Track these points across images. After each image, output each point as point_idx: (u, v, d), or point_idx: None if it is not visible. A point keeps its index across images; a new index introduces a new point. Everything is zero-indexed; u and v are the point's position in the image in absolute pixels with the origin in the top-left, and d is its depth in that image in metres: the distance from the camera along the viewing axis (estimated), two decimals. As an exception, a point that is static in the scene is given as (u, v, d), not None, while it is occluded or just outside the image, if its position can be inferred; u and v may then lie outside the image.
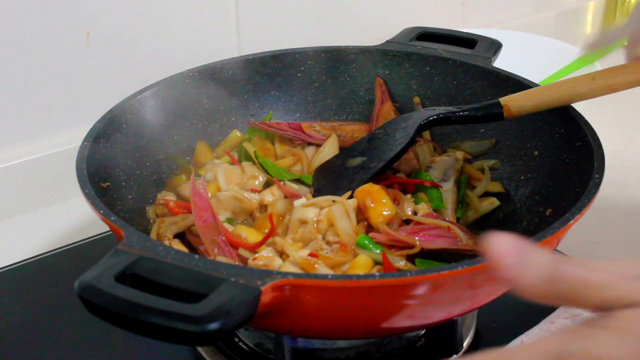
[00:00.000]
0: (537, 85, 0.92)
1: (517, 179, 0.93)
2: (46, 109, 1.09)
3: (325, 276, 0.63)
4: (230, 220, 0.86)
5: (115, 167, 0.86)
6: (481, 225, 0.91)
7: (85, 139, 0.81)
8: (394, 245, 0.77)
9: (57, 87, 1.08)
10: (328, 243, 0.79)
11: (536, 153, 0.92)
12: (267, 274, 0.58)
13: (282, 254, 0.78)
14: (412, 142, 0.88)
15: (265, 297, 0.57)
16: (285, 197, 0.89)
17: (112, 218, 0.68)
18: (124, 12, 1.10)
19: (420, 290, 0.63)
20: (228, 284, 0.57)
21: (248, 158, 0.96)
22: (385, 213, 0.81)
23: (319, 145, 0.99)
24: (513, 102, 0.86)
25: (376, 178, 0.87)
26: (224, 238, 0.78)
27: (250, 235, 0.82)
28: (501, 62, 1.04)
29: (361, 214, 0.82)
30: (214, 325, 0.53)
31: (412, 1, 1.46)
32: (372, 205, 0.81)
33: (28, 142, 1.09)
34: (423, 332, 0.83)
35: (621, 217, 1.08)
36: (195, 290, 0.57)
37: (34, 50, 1.04)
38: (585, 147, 0.81)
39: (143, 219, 0.88)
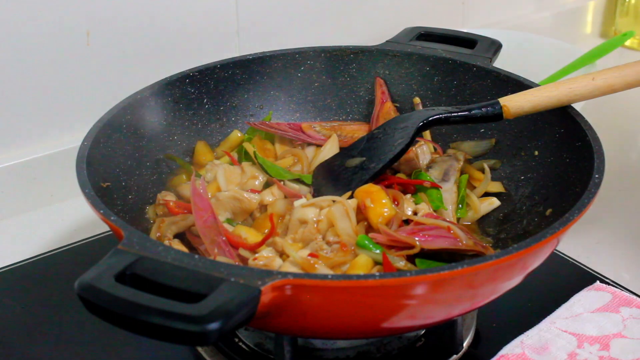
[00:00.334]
0: (537, 85, 0.92)
1: (517, 179, 0.93)
2: (46, 109, 1.09)
3: (325, 276, 0.63)
4: (230, 221, 0.87)
5: (115, 167, 0.86)
6: (481, 225, 0.91)
7: (85, 139, 0.81)
8: (394, 246, 0.77)
9: (57, 87, 1.08)
10: (328, 243, 0.79)
11: (536, 153, 0.92)
12: (267, 274, 0.58)
13: (282, 254, 0.78)
14: (411, 143, 0.88)
15: (265, 297, 0.57)
16: (285, 197, 0.89)
17: (112, 218, 0.68)
18: (124, 12, 1.10)
19: (420, 290, 0.63)
20: (228, 284, 0.57)
21: (248, 158, 0.96)
22: (385, 213, 0.80)
23: (319, 146, 0.99)
24: (512, 102, 0.86)
25: (376, 178, 0.87)
26: (224, 238, 0.78)
27: (251, 235, 0.82)
28: (501, 62, 1.04)
29: (361, 214, 0.82)
30: (214, 325, 0.53)
31: (412, 1, 1.46)
32: (372, 205, 0.81)
33: (28, 142, 1.09)
34: (423, 332, 0.83)
35: (621, 217, 1.08)
36: (195, 290, 0.57)
37: (34, 50, 1.04)
38: (585, 147, 0.81)
39: (143, 219, 0.88)
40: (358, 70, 1.07)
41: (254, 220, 0.88)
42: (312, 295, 0.60)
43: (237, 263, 0.77)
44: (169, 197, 0.89)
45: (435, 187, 0.89)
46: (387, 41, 1.08)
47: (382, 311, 0.64)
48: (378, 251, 0.76)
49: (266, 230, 0.83)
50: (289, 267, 0.75)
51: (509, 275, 0.69)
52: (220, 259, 0.77)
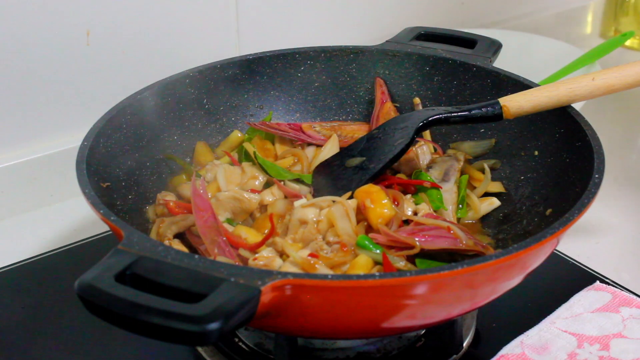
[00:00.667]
0: (537, 85, 0.92)
1: (517, 179, 0.93)
2: (46, 109, 1.09)
3: (325, 276, 0.63)
4: (230, 221, 0.87)
5: (115, 167, 0.86)
6: (481, 225, 0.91)
7: (85, 139, 0.81)
8: (394, 246, 0.77)
9: (57, 87, 1.08)
10: (328, 243, 0.79)
11: (536, 153, 0.92)
12: (267, 274, 0.58)
13: (282, 254, 0.78)
14: (411, 143, 0.88)
15: (265, 297, 0.57)
16: (285, 197, 0.89)
17: (112, 218, 0.68)
18: (124, 12, 1.10)
19: (420, 290, 0.63)
20: (228, 284, 0.57)
21: (248, 158, 0.96)
22: (385, 214, 0.80)
23: (319, 146, 0.99)
24: (512, 103, 0.86)
25: (376, 178, 0.87)
26: (224, 238, 0.78)
27: (251, 235, 0.82)
28: (501, 62, 1.04)
29: (361, 214, 0.82)
30: (214, 325, 0.53)
31: (412, 1, 1.46)
32: (372, 206, 0.81)
33: (28, 142, 1.09)
34: (423, 332, 0.83)
35: (621, 217, 1.08)
36: (195, 290, 0.57)
37: (34, 50, 1.04)
38: (585, 147, 0.81)
39: (143, 219, 0.88)
40: (358, 70, 1.07)
41: (254, 221, 0.88)
42: (312, 295, 0.60)
43: (237, 263, 0.77)
44: (169, 197, 0.89)
45: (436, 187, 0.89)
46: (387, 41, 1.08)
47: (382, 311, 0.64)
48: (378, 251, 0.76)
49: (266, 231, 0.83)
50: (289, 267, 0.74)
51: (509, 275, 0.69)
52: (221, 259, 0.77)
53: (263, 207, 0.89)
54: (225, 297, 0.56)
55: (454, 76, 1.02)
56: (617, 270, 0.95)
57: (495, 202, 0.92)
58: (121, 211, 0.82)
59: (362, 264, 0.75)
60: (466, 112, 0.88)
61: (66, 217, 1.09)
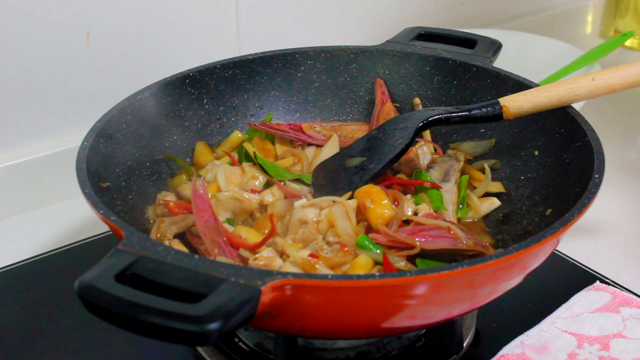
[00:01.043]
0: (537, 85, 0.92)
1: (517, 179, 0.93)
2: (46, 109, 1.09)
3: (325, 276, 0.63)
4: (230, 221, 0.87)
5: (115, 167, 0.86)
6: (484, 224, 0.91)
7: (85, 139, 0.81)
8: (394, 246, 0.77)
9: (57, 87, 1.08)
10: (328, 243, 0.79)
11: (536, 153, 0.92)
12: (267, 274, 0.58)
13: (282, 255, 0.78)
14: (412, 143, 0.88)
15: (265, 297, 0.57)
16: (286, 197, 0.89)
17: (112, 218, 0.68)
18: (124, 12, 1.10)
19: (420, 290, 0.63)
20: (228, 284, 0.57)
21: (248, 159, 0.96)
22: (385, 214, 0.81)
23: (319, 146, 0.99)
24: (512, 103, 0.86)
25: (376, 179, 0.87)
26: (224, 239, 0.78)
27: (251, 235, 0.82)
28: (501, 62, 1.04)
29: (361, 214, 0.82)
30: (214, 325, 0.53)
31: (412, 1, 1.46)
32: (372, 206, 0.81)
33: (28, 142, 1.09)
34: (423, 332, 0.83)
35: (621, 217, 1.08)
36: (195, 290, 0.57)
37: (34, 50, 1.04)
38: (585, 147, 0.81)
39: (143, 219, 0.88)
40: (358, 70, 1.07)
41: (254, 221, 0.88)
42: (312, 295, 0.60)
43: (237, 263, 0.77)
44: (169, 197, 0.89)
45: (436, 187, 0.89)
46: (387, 41, 1.08)
47: (382, 311, 0.64)
48: (378, 251, 0.76)
49: (266, 231, 0.83)
50: (289, 268, 0.75)
51: (509, 275, 0.69)
52: (221, 259, 0.77)
53: (263, 207, 0.89)
54: (225, 297, 0.56)
55: (454, 76, 1.02)
56: (617, 270, 0.95)
57: (495, 202, 0.92)
58: (121, 211, 0.82)
59: (362, 264, 0.75)
60: (466, 112, 0.88)
61: (66, 217, 1.09)
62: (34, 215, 1.10)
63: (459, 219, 0.90)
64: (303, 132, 1.00)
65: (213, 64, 1.01)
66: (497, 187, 0.94)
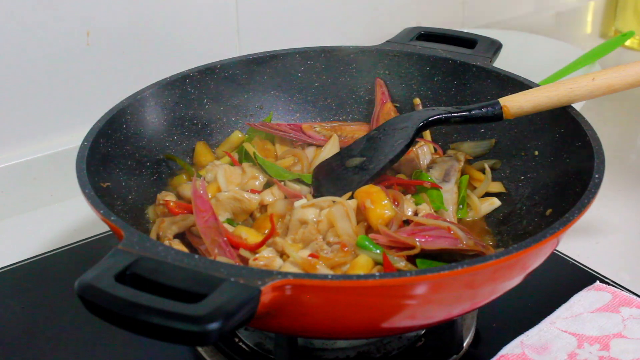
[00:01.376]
0: (537, 85, 0.92)
1: (517, 179, 0.93)
2: (46, 109, 1.09)
3: (325, 276, 0.63)
4: (230, 221, 0.87)
5: (115, 167, 0.86)
6: (486, 223, 0.91)
7: (85, 139, 0.81)
8: (394, 246, 0.77)
9: (57, 87, 1.08)
10: (328, 243, 0.79)
11: (536, 153, 0.92)
12: (267, 274, 0.58)
13: (282, 255, 0.78)
14: (412, 143, 0.88)
15: (265, 297, 0.57)
16: (286, 197, 0.89)
17: (112, 218, 0.68)
18: (124, 12, 1.10)
19: (420, 290, 0.63)
20: (228, 284, 0.57)
21: (249, 159, 0.96)
22: (385, 215, 0.81)
23: (319, 146, 0.99)
24: (512, 103, 0.86)
25: (376, 179, 0.87)
26: (225, 239, 0.78)
27: (251, 235, 0.82)
28: (501, 62, 1.04)
29: (361, 214, 0.82)
30: (214, 325, 0.53)
31: (412, 1, 1.46)
32: (372, 206, 0.81)
33: (28, 142, 1.09)
34: (423, 332, 0.83)
35: (621, 217, 1.08)
36: (195, 290, 0.57)
37: (34, 50, 1.04)
38: (585, 147, 0.81)
39: (143, 219, 0.88)
40: (358, 70, 1.07)
41: (254, 221, 0.88)
42: (312, 295, 0.60)
43: (237, 263, 0.77)
44: (169, 197, 0.89)
45: (436, 187, 0.89)
46: (387, 41, 1.08)
47: (382, 311, 0.64)
48: (378, 251, 0.76)
49: (266, 231, 0.83)
50: (289, 268, 0.74)
51: (509, 275, 0.69)
52: (221, 259, 0.77)
53: (263, 207, 0.89)
54: (225, 297, 0.56)
55: (454, 76, 1.02)
56: (617, 270, 0.95)
57: (495, 202, 0.92)
58: (121, 211, 0.82)
59: (362, 264, 0.75)
60: (466, 113, 0.88)
61: (66, 217, 1.09)
62: (34, 215, 1.10)
63: (459, 219, 0.90)
64: (303, 132, 1.00)
65: (213, 64, 1.01)
66: (497, 187, 0.94)
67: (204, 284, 0.57)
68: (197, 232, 0.81)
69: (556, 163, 0.88)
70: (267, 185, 0.92)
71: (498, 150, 0.97)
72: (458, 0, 1.55)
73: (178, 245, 0.82)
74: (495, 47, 1.05)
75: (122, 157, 0.87)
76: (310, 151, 0.99)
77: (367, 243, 0.77)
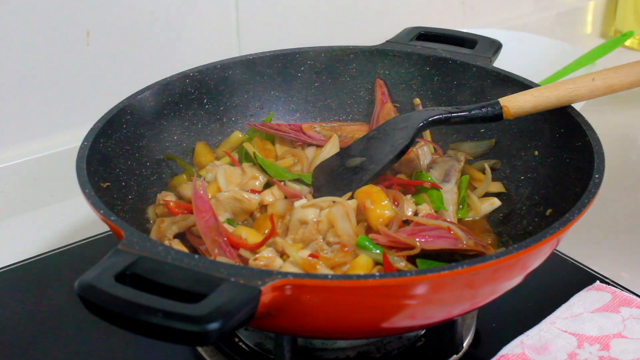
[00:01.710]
0: (537, 85, 0.92)
1: (517, 179, 0.93)
2: (46, 109, 1.09)
3: (325, 276, 0.63)
4: (230, 221, 0.87)
5: (115, 167, 0.86)
6: (487, 223, 0.91)
7: (85, 139, 0.81)
8: (394, 246, 0.77)
9: (57, 87, 1.08)
10: (328, 244, 0.79)
11: (536, 153, 0.92)
12: (267, 274, 0.58)
13: (282, 255, 0.78)
14: (412, 143, 0.88)
15: (265, 297, 0.57)
16: (286, 197, 0.89)
17: (112, 218, 0.68)
18: (124, 12, 1.10)
19: (420, 290, 0.63)
20: (228, 284, 0.57)
21: (249, 159, 0.96)
22: (385, 215, 0.81)
23: (319, 146, 0.99)
24: (512, 103, 0.86)
25: (376, 179, 0.87)
26: (225, 239, 0.78)
27: (251, 236, 0.82)
28: (501, 62, 1.04)
29: (361, 214, 0.82)
30: (214, 325, 0.53)
31: (412, 1, 1.46)
32: (372, 207, 0.81)
33: (28, 142, 1.09)
34: (423, 332, 0.83)
35: (621, 217, 1.08)
36: (195, 290, 0.57)
37: (34, 50, 1.04)
38: (585, 147, 0.81)
39: (143, 219, 0.88)
40: (358, 70, 1.07)
41: (254, 221, 0.88)
42: (312, 295, 0.60)
43: (237, 263, 0.77)
44: (169, 197, 0.89)
45: (436, 187, 0.89)
46: (387, 41, 1.08)
47: (382, 311, 0.64)
48: (378, 251, 0.76)
49: (266, 231, 0.83)
50: (289, 268, 0.74)
51: (509, 275, 0.69)
52: (221, 259, 0.77)
53: (263, 207, 0.89)
54: (225, 297, 0.56)
55: (454, 76, 1.02)
56: (617, 270, 0.95)
57: (496, 203, 0.92)
58: (121, 211, 0.82)
59: (362, 264, 0.75)
60: (466, 112, 0.88)
61: (66, 217, 1.09)
62: (34, 215, 1.10)
63: (459, 219, 0.90)
64: (303, 133, 1.00)
65: (213, 64, 1.01)
66: (497, 187, 0.94)
67: (204, 284, 0.57)
68: (197, 232, 0.81)
69: (556, 163, 0.87)
70: (267, 185, 0.92)
71: (498, 150, 0.97)
72: (458, 0, 1.54)
73: (178, 245, 0.82)
74: (495, 47, 1.05)
75: (122, 157, 0.87)
76: (310, 151, 0.99)
77: (367, 243, 0.77)
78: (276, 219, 0.84)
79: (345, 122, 1.06)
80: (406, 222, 0.81)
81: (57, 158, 1.09)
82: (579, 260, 0.96)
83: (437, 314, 0.69)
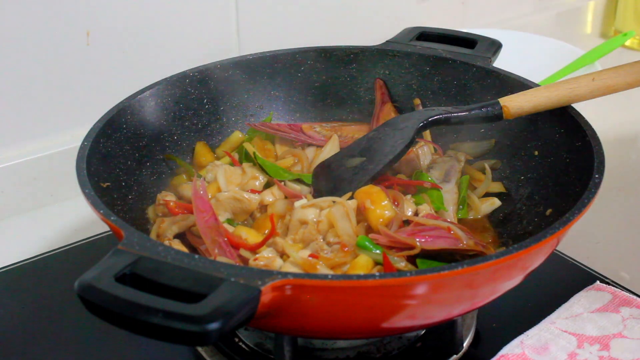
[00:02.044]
0: (537, 85, 0.92)
1: (517, 179, 0.93)
2: (46, 109, 1.09)
3: (325, 276, 0.63)
4: (230, 221, 0.87)
5: (115, 167, 0.86)
6: (489, 222, 0.91)
7: (85, 139, 0.81)
8: (394, 246, 0.77)
9: (57, 87, 1.08)
10: (328, 244, 0.79)
11: (536, 153, 0.92)
12: (267, 274, 0.58)
13: (282, 255, 0.78)
14: (412, 143, 0.88)
15: (265, 297, 0.57)
16: (286, 197, 0.89)
17: (112, 218, 0.68)
18: (124, 12, 1.10)
19: (420, 290, 0.63)
20: (228, 284, 0.57)
21: (249, 159, 0.96)
22: (385, 215, 0.80)
23: (319, 146, 0.99)
24: (512, 103, 0.86)
25: (376, 179, 0.87)
26: (225, 239, 0.78)
27: (251, 236, 0.82)
28: (501, 62, 1.04)
29: (361, 214, 0.82)
30: (214, 325, 0.53)
31: (412, 1, 1.46)
32: (372, 207, 0.81)
33: (28, 142, 1.09)
34: (423, 332, 0.83)
35: (621, 217, 1.08)
36: (195, 290, 0.57)
37: (34, 50, 1.04)
38: (585, 147, 0.81)
39: (143, 219, 0.88)
40: (358, 70, 1.07)
41: (254, 221, 0.88)
42: (312, 295, 0.60)
43: (237, 263, 0.77)
44: (169, 197, 0.89)
45: (436, 187, 0.89)
46: (387, 41, 1.08)
47: (382, 311, 0.64)
48: (378, 251, 0.76)
49: (266, 231, 0.83)
50: (289, 268, 0.75)
51: (509, 275, 0.69)
52: (221, 259, 0.77)
53: (263, 207, 0.89)
54: (225, 297, 0.56)
55: (454, 76, 1.02)
56: (617, 270, 0.95)
57: (496, 203, 0.92)
58: (121, 211, 0.82)
59: (362, 264, 0.75)
60: (466, 113, 0.88)
61: (66, 217, 1.09)
62: (34, 215, 1.10)
63: (459, 219, 0.90)
64: (303, 133, 1.00)
65: (213, 64, 1.01)
66: (497, 187, 0.94)
67: (204, 284, 0.57)
68: (197, 232, 0.81)
69: (556, 163, 0.87)
70: (267, 185, 0.92)
71: (498, 150, 0.97)
72: (458, 0, 1.54)
73: (178, 245, 0.82)
74: (495, 47, 1.05)
75: (122, 157, 0.87)
76: (310, 151, 0.99)
77: (367, 243, 0.77)
78: (276, 219, 0.84)
79: (345, 122, 1.06)
80: (406, 222, 0.81)
81: (57, 158, 1.09)
82: (579, 260, 0.96)
83: (437, 314, 0.69)
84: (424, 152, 0.96)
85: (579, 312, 0.81)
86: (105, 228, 0.77)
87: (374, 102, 1.05)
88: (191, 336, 0.54)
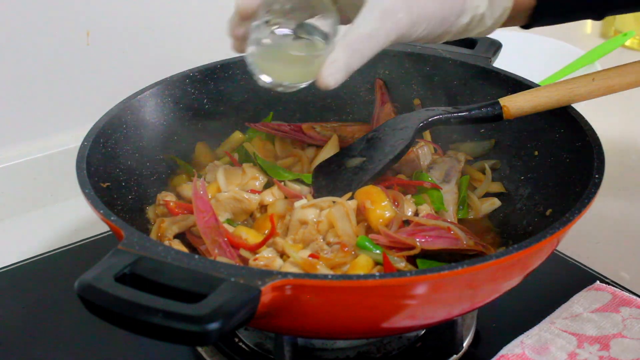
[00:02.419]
0: (537, 85, 0.92)
1: (517, 179, 0.93)
2: (46, 109, 1.09)
3: (325, 276, 0.63)
4: (230, 221, 0.87)
5: (115, 167, 0.86)
6: (489, 221, 0.91)
7: (85, 139, 0.81)
8: (395, 247, 0.77)
9: (57, 87, 1.08)
10: (328, 244, 0.79)
11: (536, 153, 0.92)
12: (267, 274, 0.58)
13: (282, 255, 0.78)
14: (412, 143, 0.88)
15: (265, 297, 0.57)
16: (286, 197, 0.89)
17: (112, 218, 0.68)
18: (124, 12, 1.10)
19: (420, 290, 0.63)
20: (228, 284, 0.57)
21: (249, 159, 0.96)
22: (385, 215, 0.81)
23: (319, 146, 0.99)
24: (512, 103, 0.86)
25: (376, 179, 0.87)
26: (225, 239, 0.78)
27: (251, 236, 0.82)
28: (501, 62, 1.04)
29: (361, 215, 0.82)
30: (214, 325, 0.53)
31: (412, 1, 1.46)
32: (372, 207, 0.81)
33: (28, 142, 1.09)
34: (423, 332, 0.83)
35: (621, 217, 1.08)
36: (195, 290, 0.57)
37: (34, 50, 1.04)
38: (585, 147, 0.81)
39: (143, 219, 0.88)
40: (358, 70, 1.06)
41: (254, 221, 0.88)
42: (312, 295, 0.60)
43: (237, 263, 0.77)
44: (169, 197, 0.89)
45: (436, 188, 0.89)
46: (387, 41, 1.08)
47: (382, 311, 0.65)
48: (378, 252, 0.76)
49: (266, 231, 0.83)
50: (289, 268, 0.75)
51: (509, 275, 0.69)
52: (221, 259, 0.77)
53: (263, 207, 0.89)
54: (225, 297, 0.56)
55: (454, 76, 1.01)
56: (617, 270, 0.95)
57: (496, 203, 0.92)
58: (121, 211, 0.82)
59: (362, 264, 0.75)
60: (466, 113, 0.88)
61: (66, 217, 1.09)
62: (34, 215, 1.10)
63: (459, 220, 0.90)
64: (303, 133, 1.00)
65: (213, 64, 1.01)
66: (497, 187, 0.94)
67: (204, 284, 0.57)
68: (197, 232, 0.81)
69: (556, 163, 0.87)
70: (267, 185, 0.92)
71: (498, 150, 0.97)
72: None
73: (178, 245, 0.82)
74: (495, 47, 1.05)
75: (122, 157, 0.87)
76: (310, 151, 0.99)
77: (367, 243, 0.77)
78: (276, 219, 0.84)
79: (345, 122, 1.06)
80: (406, 223, 0.81)
81: (57, 158, 1.09)
82: (579, 260, 0.96)
83: (437, 314, 0.69)
84: (424, 152, 0.96)
85: (579, 312, 0.81)
86: (105, 228, 0.77)
87: (374, 102, 1.05)
88: (191, 336, 0.54)
